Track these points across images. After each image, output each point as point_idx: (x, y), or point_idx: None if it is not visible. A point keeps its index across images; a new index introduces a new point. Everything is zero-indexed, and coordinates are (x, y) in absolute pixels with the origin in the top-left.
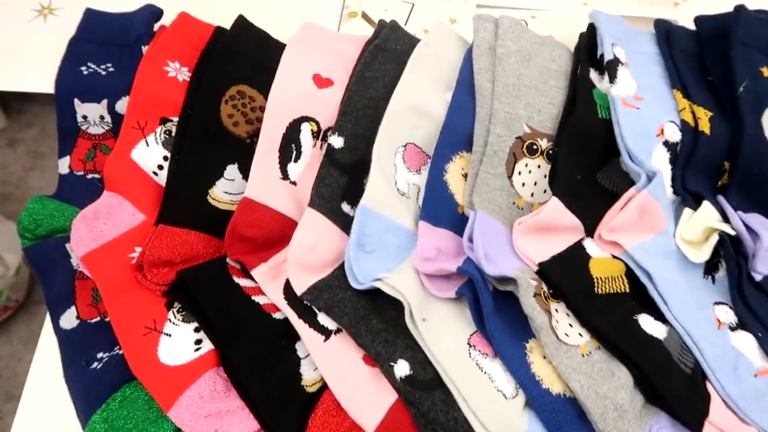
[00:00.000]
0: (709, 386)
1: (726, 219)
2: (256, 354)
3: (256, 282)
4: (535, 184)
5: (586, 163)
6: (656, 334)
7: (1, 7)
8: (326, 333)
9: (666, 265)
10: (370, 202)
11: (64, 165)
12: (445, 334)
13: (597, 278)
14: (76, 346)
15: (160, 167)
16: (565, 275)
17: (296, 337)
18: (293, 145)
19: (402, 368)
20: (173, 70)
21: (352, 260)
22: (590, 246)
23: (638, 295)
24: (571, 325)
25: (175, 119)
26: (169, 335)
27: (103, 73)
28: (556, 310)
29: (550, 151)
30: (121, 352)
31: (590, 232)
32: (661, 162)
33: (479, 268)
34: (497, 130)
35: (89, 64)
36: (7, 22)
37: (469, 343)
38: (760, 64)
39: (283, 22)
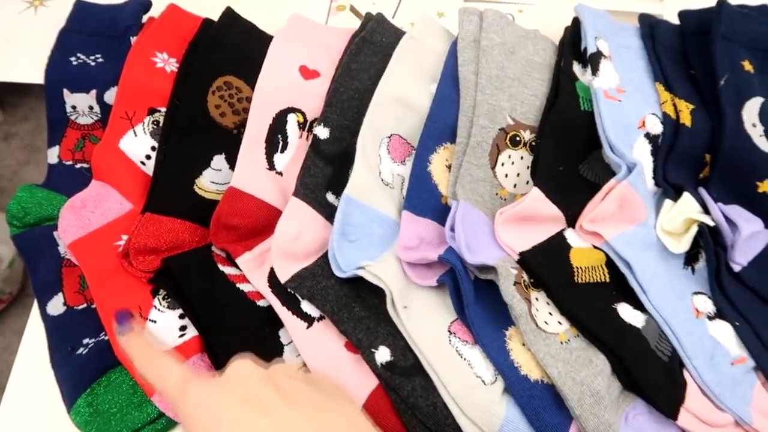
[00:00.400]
0: (686, 374)
1: (707, 211)
2: (239, 340)
3: (240, 270)
4: (518, 175)
5: (568, 155)
6: (634, 322)
7: None
8: (309, 320)
9: (646, 255)
10: (354, 192)
11: (53, 155)
12: (425, 321)
13: (577, 268)
14: (62, 332)
15: (148, 157)
16: (546, 265)
17: (280, 324)
18: (279, 136)
19: (383, 355)
20: (161, 61)
21: (336, 249)
22: (571, 236)
23: (618, 285)
24: (550, 313)
25: (163, 110)
26: (155, 322)
27: (92, 63)
28: (536, 299)
29: (533, 143)
30: (106, 338)
31: (572, 222)
32: (642, 154)
33: (460, 257)
34: (481, 121)
35: (78, 54)
36: None
37: (449, 331)
38: (741, 57)
39: (271, 14)
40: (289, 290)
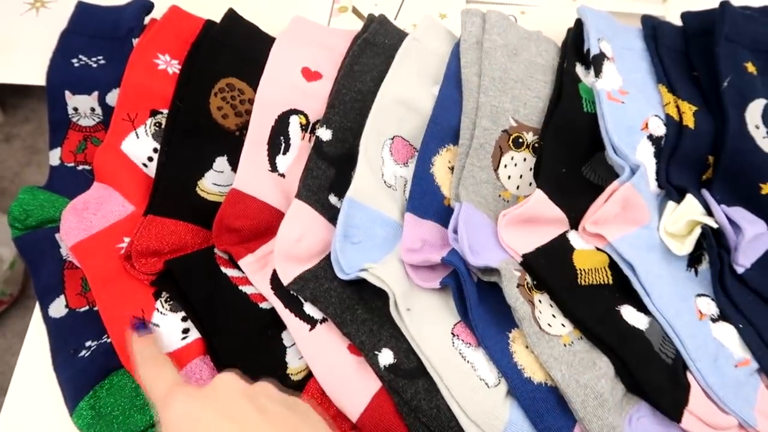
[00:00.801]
0: (689, 376)
1: (710, 212)
2: (242, 342)
3: (243, 272)
4: (521, 177)
5: (571, 157)
6: (638, 324)
7: None
8: (312, 322)
9: (649, 257)
10: (356, 194)
11: (55, 156)
12: (429, 323)
13: (580, 270)
14: (64, 334)
15: (150, 159)
16: (549, 267)
17: (282, 327)
18: (282, 138)
19: (386, 357)
20: (163, 63)
21: (339, 251)
22: (574, 238)
23: (621, 287)
24: (554, 315)
25: (165, 111)
26: (157, 325)
27: (94, 65)
28: (540, 301)
29: (536, 145)
30: (109, 340)
31: (575, 224)
32: (645, 156)
33: (464, 259)
34: (483, 123)
35: (80, 56)
36: None
37: (452, 333)
38: (744, 59)
39: (273, 16)
40: (291, 292)
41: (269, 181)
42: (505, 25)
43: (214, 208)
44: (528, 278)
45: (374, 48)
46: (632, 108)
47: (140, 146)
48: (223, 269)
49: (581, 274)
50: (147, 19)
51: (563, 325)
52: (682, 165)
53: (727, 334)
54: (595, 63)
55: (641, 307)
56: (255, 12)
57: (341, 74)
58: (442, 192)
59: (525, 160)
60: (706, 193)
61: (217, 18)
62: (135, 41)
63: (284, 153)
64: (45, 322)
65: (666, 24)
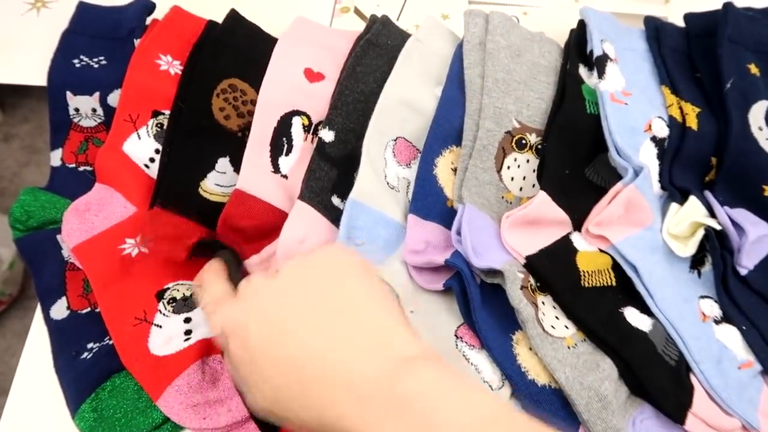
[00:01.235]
0: (692, 378)
1: (713, 214)
2: None
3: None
4: (524, 178)
5: (574, 158)
6: (641, 326)
7: None
8: None
9: (652, 259)
10: (359, 196)
11: (56, 157)
12: (432, 325)
13: (584, 272)
14: (66, 336)
15: (152, 160)
16: (552, 268)
17: None
18: (284, 139)
19: None
20: (165, 64)
21: None
22: (577, 240)
23: (624, 289)
24: (557, 317)
25: (167, 112)
26: (159, 326)
27: (96, 66)
28: (543, 303)
29: (539, 146)
30: (111, 342)
31: (578, 226)
32: (648, 157)
33: (467, 260)
34: (486, 124)
35: (82, 57)
36: (0, 15)
37: (456, 335)
38: (747, 61)
39: (275, 16)
40: None
41: (272, 183)
42: (508, 26)
43: (217, 209)
44: (531, 280)
45: (377, 49)
46: (635, 109)
47: (142, 147)
48: None
49: (584, 275)
50: (149, 20)
51: (567, 326)
52: (685, 167)
53: (731, 336)
54: (598, 64)
55: (644, 309)
56: (257, 12)
57: (344, 75)
58: (445, 193)
59: (528, 161)
60: (709, 194)
61: (219, 18)
62: (137, 42)
63: (287, 154)
64: (46, 324)
65: (669, 25)
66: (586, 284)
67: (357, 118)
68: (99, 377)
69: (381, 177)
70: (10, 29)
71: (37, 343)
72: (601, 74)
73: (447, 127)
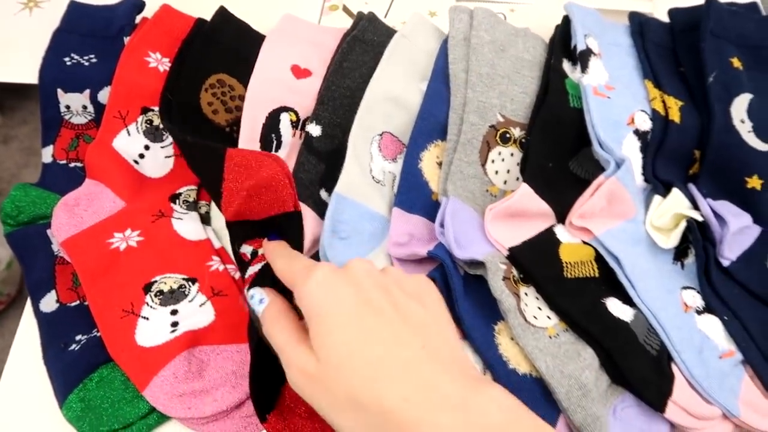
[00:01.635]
0: (674, 368)
1: (696, 206)
2: None
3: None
4: (508, 172)
5: (558, 152)
6: (623, 317)
7: None
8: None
9: (635, 251)
10: (344, 189)
11: (47, 154)
12: None
13: (566, 263)
14: (55, 328)
15: (141, 156)
16: (535, 260)
17: None
18: (273, 135)
19: None
20: (154, 61)
21: (326, 246)
22: (561, 232)
23: (607, 280)
24: (539, 308)
25: (156, 109)
26: (147, 318)
27: (86, 63)
28: (526, 294)
29: (523, 140)
30: (98, 334)
31: (561, 218)
32: (631, 150)
33: (450, 252)
34: (471, 118)
35: (72, 55)
36: None
37: None
38: (730, 54)
39: (264, 14)
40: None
41: None
42: (493, 22)
43: None
44: (514, 271)
45: (363, 45)
46: (618, 103)
47: (131, 143)
48: None
49: (567, 267)
50: (138, 18)
51: (549, 317)
52: (668, 159)
53: (712, 326)
54: (582, 59)
55: (627, 300)
56: (246, 10)
57: (330, 71)
58: (430, 187)
59: (512, 155)
60: (692, 187)
61: (209, 17)
62: (126, 39)
63: (276, 150)
64: (36, 317)
65: (653, 20)
66: (569, 275)
67: (343, 113)
68: (87, 368)
69: (366, 171)
70: (2, 29)
71: (27, 336)
72: (584, 68)
73: (432, 121)
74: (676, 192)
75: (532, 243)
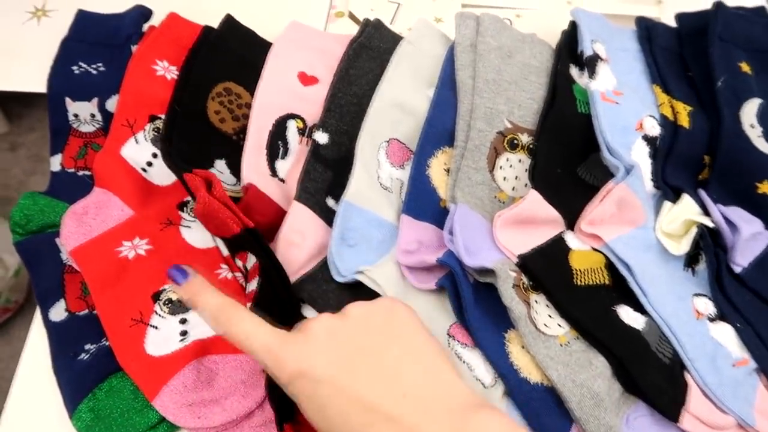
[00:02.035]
0: (687, 376)
1: (706, 212)
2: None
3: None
4: (516, 178)
5: (566, 158)
6: (635, 324)
7: None
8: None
9: (646, 257)
10: (352, 197)
11: (55, 162)
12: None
13: (577, 270)
14: (64, 338)
15: (149, 164)
16: (546, 267)
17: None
18: (280, 143)
19: None
20: (162, 69)
21: (335, 254)
22: (570, 239)
23: (618, 287)
24: (550, 315)
25: (164, 117)
26: (156, 327)
27: (94, 72)
28: (536, 302)
29: (531, 146)
30: (108, 343)
31: (571, 225)
32: (640, 156)
33: (459, 260)
34: (478, 125)
35: (80, 63)
36: (1, 24)
37: (448, 334)
38: (738, 59)
39: (270, 21)
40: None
41: (273, 186)
42: (499, 28)
43: None
44: (524, 278)
45: (369, 52)
46: (627, 108)
47: (139, 151)
48: None
49: (578, 274)
50: (146, 26)
51: (560, 325)
52: (678, 165)
53: (725, 334)
54: (589, 64)
55: (638, 307)
56: (252, 18)
57: (337, 78)
58: (438, 194)
59: (520, 161)
60: (702, 192)
61: (215, 24)
62: (134, 48)
63: (283, 157)
64: (45, 326)
65: (660, 25)
66: (580, 283)
67: (350, 121)
68: (96, 378)
69: (374, 178)
70: (11, 38)
71: (37, 345)
72: (591, 74)
73: (439, 128)
74: (686, 198)
75: (542, 250)
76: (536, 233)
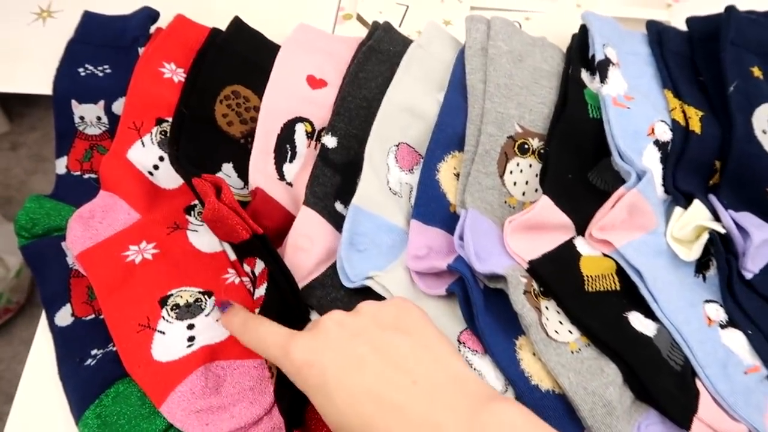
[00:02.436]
0: (698, 383)
1: (717, 218)
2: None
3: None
4: (527, 183)
5: (577, 163)
6: (646, 331)
7: (1, 10)
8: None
9: (656, 263)
10: (361, 201)
11: (61, 165)
12: None
13: (587, 276)
14: (70, 343)
15: (156, 167)
16: (556, 273)
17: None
18: (288, 146)
19: None
20: (169, 72)
21: (344, 259)
22: (581, 244)
23: (628, 293)
24: (561, 322)
25: (171, 120)
26: (163, 333)
27: (100, 74)
28: (546, 308)
29: (542, 151)
30: (114, 349)
31: (581, 230)
32: (651, 161)
33: (469, 265)
34: (489, 129)
35: (86, 65)
36: (6, 25)
37: (458, 340)
38: (750, 64)
39: (278, 24)
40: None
41: (281, 190)
42: (510, 32)
43: None
44: (534, 285)
45: (379, 55)
46: (638, 113)
47: (146, 154)
48: None
49: (588, 280)
50: (153, 28)
51: (570, 331)
52: (689, 170)
53: (737, 341)
54: (600, 68)
55: (649, 314)
56: (260, 20)
57: (346, 81)
58: (448, 199)
59: (531, 166)
60: (713, 198)
61: (223, 27)
62: (141, 50)
63: (290, 161)
64: (51, 331)
65: (671, 29)
66: (590, 289)
67: (359, 124)
68: (103, 384)
69: (383, 183)
70: (16, 39)
71: (42, 349)
72: (603, 78)
73: (449, 132)
74: (697, 203)
75: (553, 255)
76: (546, 239)
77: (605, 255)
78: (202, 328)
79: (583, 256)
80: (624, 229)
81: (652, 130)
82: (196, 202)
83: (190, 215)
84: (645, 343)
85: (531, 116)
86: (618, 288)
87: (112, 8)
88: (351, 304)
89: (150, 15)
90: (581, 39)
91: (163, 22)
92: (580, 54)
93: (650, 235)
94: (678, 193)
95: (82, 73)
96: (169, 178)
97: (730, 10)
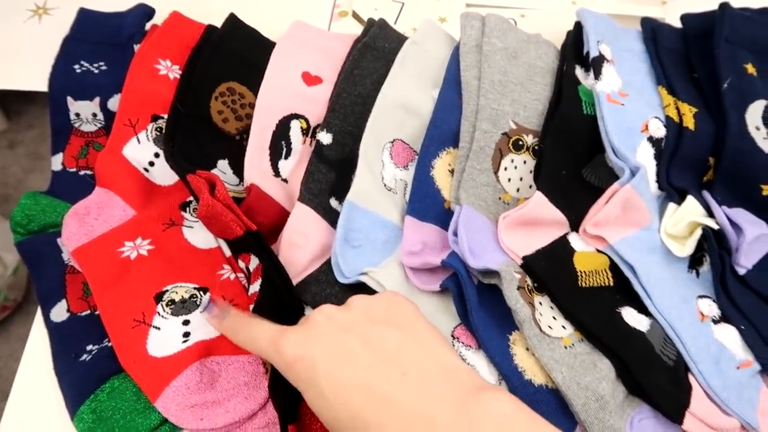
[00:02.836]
0: (691, 378)
1: (711, 214)
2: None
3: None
4: (521, 179)
5: (571, 159)
6: (639, 326)
7: None
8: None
9: (650, 259)
10: (356, 197)
11: (57, 162)
12: None
13: (581, 272)
14: (66, 338)
15: (151, 164)
16: (549, 269)
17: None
18: (283, 143)
19: None
20: (164, 68)
21: (339, 255)
22: (575, 240)
23: (622, 289)
24: (554, 317)
25: (166, 116)
26: (158, 328)
27: (96, 71)
28: (540, 303)
29: (536, 147)
30: (110, 344)
31: (575, 226)
32: (645, 157)
33: (464, 261)
34: (483, 126)
35: (82, 62)
36: (2, 23)
37: (452, 335)
38: (744, 61)
39: (274, 21)
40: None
41: (276, 186)
42: (505, 29)
43: None
44: (528, 280)
45: (374, 52)
46: (632, 110)
47: (141, 151)
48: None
49: (582, 276)
50: (148, 25)
51: (564, 327)
52: (683, 166)
53: (729, 336)
54: (595, 65)
55: (642, 309)
56: (256, 17)
57: (341, 78)
58: (443, 195)
59: (525, 162)
60: (707, 194)
61: (218, 23)
62: (136, 47)
63: (286, 158)
64: (46, 327)
65: (665, 26)
66: (584, 284)
67: (354, 121)
68: (98, 379)
69: (378, 179)
70: (12, 36)
71: (38, 345)
72: (597, 75)
73: (444, 129)
74: (690, 199)
75: (546, 252)
76: (540, 235)
77: (599, 251)
78: (198, 324)
79: (577, 252)
80: (618, 225)
81: (646, 126)
82: (192, 198)
83: (185, 211)
84: (638, 339)
85: (525, 113)
86: (611, 283)
87: (107, 5)
88: (345, 300)
89: (146, 12)
90: (576, 36)
91: (158, 19)
92: (574, 51)
93: (644, 231)
94: (672, 190)
95: (78, 70)
96: (164, 174)
97: (725, 7)
